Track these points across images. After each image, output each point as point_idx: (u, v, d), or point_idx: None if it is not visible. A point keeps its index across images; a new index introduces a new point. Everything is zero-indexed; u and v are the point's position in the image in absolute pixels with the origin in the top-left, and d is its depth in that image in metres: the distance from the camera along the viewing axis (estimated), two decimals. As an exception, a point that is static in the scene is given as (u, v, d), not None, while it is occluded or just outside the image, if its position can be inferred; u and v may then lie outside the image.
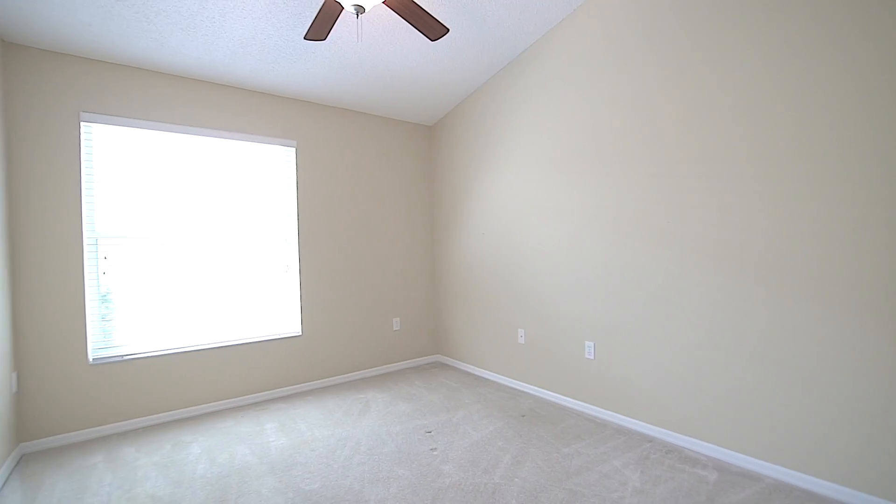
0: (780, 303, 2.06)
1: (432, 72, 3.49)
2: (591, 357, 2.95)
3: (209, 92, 3.26)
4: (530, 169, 3.39)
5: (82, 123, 2.81)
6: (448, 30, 2.44)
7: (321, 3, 2.54)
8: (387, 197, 4.24)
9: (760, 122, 2.12)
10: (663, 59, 2.50)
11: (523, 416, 2.95)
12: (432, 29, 2.44)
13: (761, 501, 1.90)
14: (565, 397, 3.15)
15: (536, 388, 3.39)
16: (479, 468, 2.26)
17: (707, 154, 2.32)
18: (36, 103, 2.67)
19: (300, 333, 3.66)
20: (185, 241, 3.19)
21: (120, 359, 2.92)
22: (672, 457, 2.33)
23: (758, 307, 2.14)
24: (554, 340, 3.24)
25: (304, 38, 2.48)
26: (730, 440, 2.26)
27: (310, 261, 3.73)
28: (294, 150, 3.67)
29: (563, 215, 3.13)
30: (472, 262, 4.04)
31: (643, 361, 2.64)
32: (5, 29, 2.49)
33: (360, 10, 2.08)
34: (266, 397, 3.46)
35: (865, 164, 1.82)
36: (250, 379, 3.40)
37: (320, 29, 2.37)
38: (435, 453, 2.44)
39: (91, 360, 2.83)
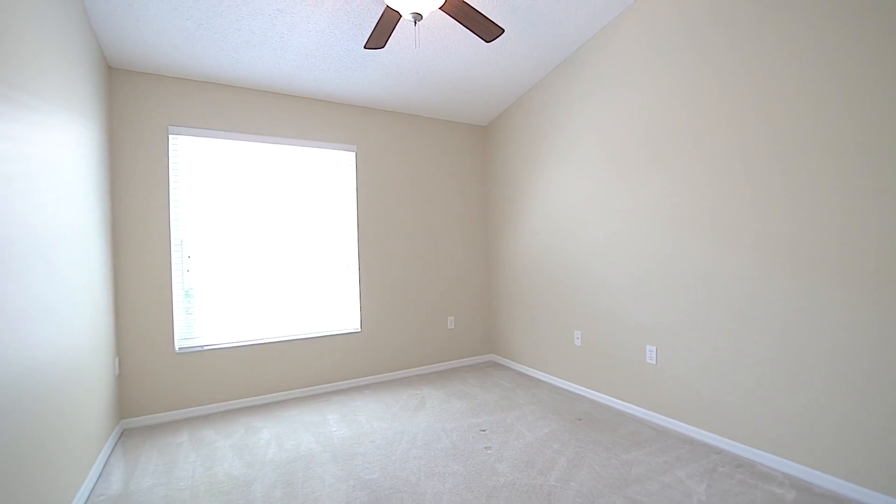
0: (868, 308, 1.87)
1: (486, 73, 3.51)
2: (653, 362, 2.83)
3: (277, 102, 3.50)
4: (586, 167, 3.31)
5: (170, 136, 3.13)
6: (503, 30, 2.45)
7: (380, 13, 2.64)
8: (442, 197, 4.31)
9: (822, 117, 1.94)
10: (708, 56, 2.35)
11: (579, 419, 2.90)
12: (488, 30, 2.46)
13: (847, 526, 1.74)
14: (624, 402, 3.05)
15: (593, 391, 3.30)
16: (533, 469, 2.26)
17: (780, 151, 2.15)
18: (132, 119, 3.01)
19: (359, 330, 3.83)
20: (256, 242, 3.45)
21: (200, 349, 3.21)
22: (742, 471, 2.18)
23: (840, 312, 1.96)
24: (612, 344, 3.14)
25: (365, 48, 2.59)
26: (810, 457, 2.08)
27: (368, 260, 3.88)
28: (354, 154, 3.84)
29: (622, 214, 3.03)
30: (526, 262, 4.01)
31: (710, 368, 2.50)
32: (111, 56, 2.83)
33: (417, 17, 2.15)
34: (327, 389, 3.65)
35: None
36: (313, 371, 3.61)
37: (380, 37, 2.47)
38: (489, 452, 2.47)
39: (177, 349, 3.14)
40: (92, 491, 2.17)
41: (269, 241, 3.50)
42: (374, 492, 2.09)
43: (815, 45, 2.03)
